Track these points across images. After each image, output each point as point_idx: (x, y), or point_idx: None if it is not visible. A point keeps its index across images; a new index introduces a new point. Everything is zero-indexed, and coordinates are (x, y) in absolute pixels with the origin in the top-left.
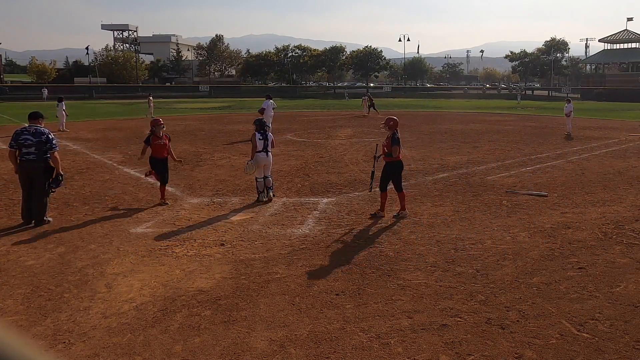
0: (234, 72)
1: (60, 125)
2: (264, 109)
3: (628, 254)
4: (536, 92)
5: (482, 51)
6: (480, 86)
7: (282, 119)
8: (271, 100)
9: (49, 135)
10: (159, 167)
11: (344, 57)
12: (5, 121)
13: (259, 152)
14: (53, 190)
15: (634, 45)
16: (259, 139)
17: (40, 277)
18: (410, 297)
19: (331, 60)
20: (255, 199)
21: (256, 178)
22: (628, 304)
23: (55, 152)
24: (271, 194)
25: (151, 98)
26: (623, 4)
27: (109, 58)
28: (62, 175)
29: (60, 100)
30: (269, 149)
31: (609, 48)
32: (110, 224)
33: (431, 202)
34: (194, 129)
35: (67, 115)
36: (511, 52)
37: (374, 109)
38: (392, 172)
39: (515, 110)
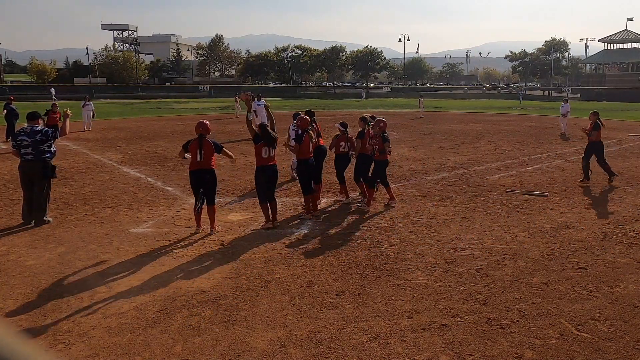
0: (234, 72)
1: (84, 125)
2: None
3: (628, 254)
4: (536, 92)
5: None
6: (480, 86)
7: (282, 119)
8: (261, 100)
9: (46, 131)
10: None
11: (344, 57)
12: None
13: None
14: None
15: (634, 45)
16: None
17: (40, 277)
18: (410, 297)
19: (331, 60)
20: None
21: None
22: (628, 304)
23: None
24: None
25: (237, 98)
26: (623, 4)
27: (109, 58)
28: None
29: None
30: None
31: (609, 48)
32: (110, 224)
33: (431, 202)
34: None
35: (94, 114)
36: (511, 52)
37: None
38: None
39: (515, 110)
